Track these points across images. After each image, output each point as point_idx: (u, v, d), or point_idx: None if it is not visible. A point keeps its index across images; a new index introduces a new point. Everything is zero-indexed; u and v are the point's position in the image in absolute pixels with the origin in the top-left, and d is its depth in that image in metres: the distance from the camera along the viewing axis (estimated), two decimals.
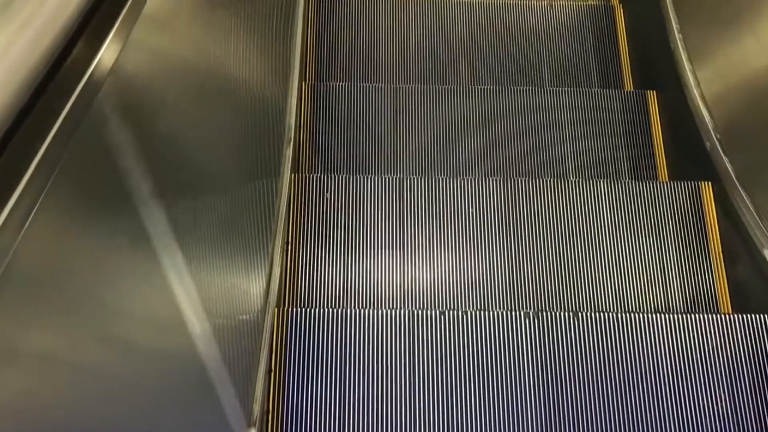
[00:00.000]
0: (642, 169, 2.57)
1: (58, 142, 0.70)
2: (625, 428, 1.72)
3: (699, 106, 2.26)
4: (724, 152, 2.13)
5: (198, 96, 1.29)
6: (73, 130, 0.72)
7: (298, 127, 2.47)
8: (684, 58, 2.38)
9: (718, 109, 2.21)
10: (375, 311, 1.84)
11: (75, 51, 0.73)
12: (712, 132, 2.18)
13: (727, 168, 2.11)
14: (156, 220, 0.99)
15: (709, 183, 2.25)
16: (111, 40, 0.78)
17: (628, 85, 2.90)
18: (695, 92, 2.29)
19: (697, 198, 2.25)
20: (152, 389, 1.04)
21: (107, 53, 0.77)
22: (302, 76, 2.62)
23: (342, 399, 1.74)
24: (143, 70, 0.91)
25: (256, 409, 1.59)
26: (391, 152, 2.54)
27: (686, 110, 2.34)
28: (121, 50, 0.79)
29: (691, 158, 2.41)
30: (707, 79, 2.28)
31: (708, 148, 2.21)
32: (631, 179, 2.51)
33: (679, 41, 2.44)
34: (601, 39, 2.97)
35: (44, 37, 0.69)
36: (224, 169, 1.53)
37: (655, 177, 2.55)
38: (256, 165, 1.83)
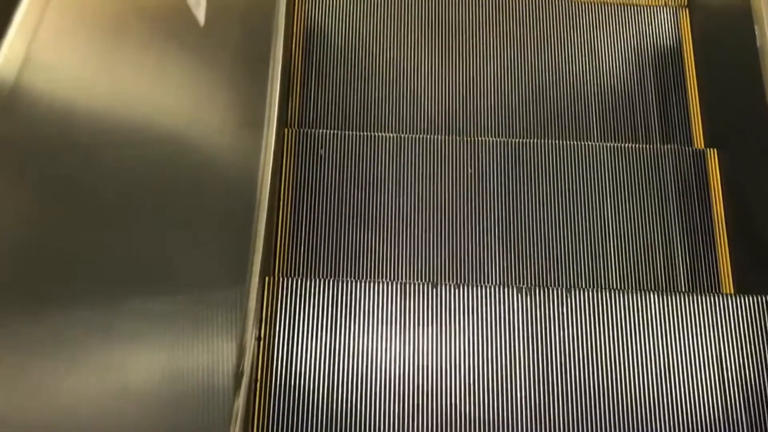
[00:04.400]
0: (675, 134, 2.35)
1: None
2: (620, 407, 1.69)
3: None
4: None
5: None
6: None
7: (291, 77, 2.38)
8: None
9: None
10: (366, 283, 1.79)
11: None
12: None
13: None
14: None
15: (715, 150, 2.17)
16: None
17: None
18: None
19: (701, 165, 2.18)
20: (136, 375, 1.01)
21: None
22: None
23: (331, 371, 1.71)
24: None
25: (244, 377, 1.57)
26: (390, 102, 2.44)
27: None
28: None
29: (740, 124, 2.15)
30: None
31: None
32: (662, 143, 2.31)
33: None
34: None
35: None
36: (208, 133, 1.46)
37: (690, 143, 2.33)
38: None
